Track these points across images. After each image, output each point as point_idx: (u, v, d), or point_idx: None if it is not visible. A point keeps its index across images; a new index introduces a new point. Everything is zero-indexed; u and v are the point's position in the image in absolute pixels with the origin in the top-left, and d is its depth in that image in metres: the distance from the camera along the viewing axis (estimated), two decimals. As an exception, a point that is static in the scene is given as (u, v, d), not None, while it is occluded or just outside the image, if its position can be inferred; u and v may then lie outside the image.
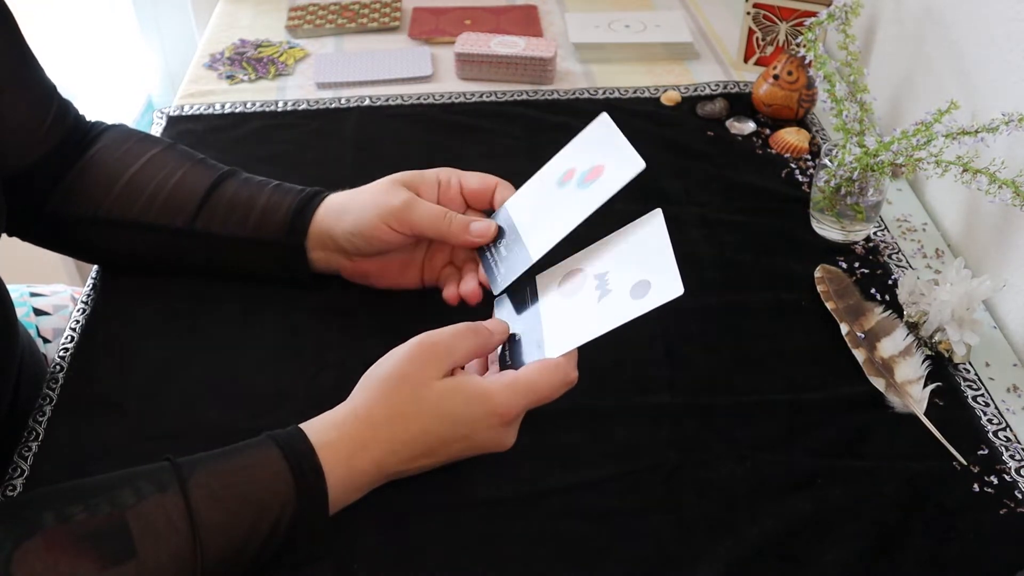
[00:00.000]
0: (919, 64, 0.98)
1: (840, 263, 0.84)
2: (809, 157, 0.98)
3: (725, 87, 1.11)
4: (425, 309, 0.74)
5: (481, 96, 1.10)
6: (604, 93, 1.10)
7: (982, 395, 0.72)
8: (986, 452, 0.67)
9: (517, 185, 0.73)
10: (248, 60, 1.18)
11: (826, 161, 0.85)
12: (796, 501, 0.63)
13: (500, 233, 0.71)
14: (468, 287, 0.71)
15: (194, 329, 0.76)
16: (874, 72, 1.04)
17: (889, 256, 0.85)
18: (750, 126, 1.03)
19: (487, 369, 0.65)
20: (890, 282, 0.82)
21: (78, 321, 0.77)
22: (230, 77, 1.15)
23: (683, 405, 0.70)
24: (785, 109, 1.03)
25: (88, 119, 0.81)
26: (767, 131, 1.03)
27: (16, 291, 0.94)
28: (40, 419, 0.69)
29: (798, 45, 0.99)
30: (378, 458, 0.58)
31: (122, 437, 0.67)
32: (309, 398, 0.69)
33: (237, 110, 1.07)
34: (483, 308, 0.71)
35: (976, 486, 0.65)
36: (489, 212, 0.74)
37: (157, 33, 1.84)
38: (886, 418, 0.70)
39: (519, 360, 0.62)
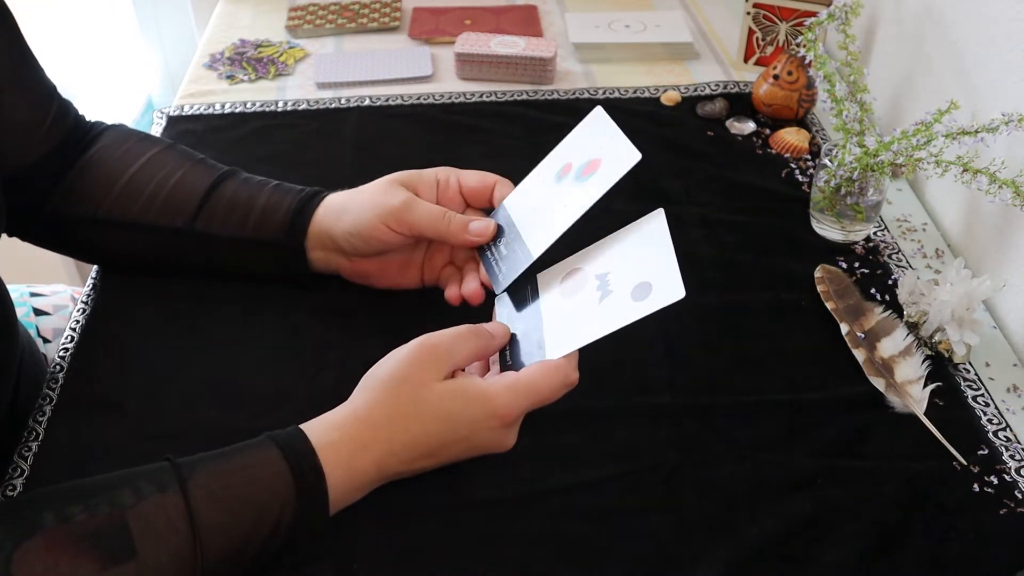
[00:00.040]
0: (919, 64, 0.98)
1: (840, 263, 0.84)
2: (809, 157, 0.98)
3: (725, 87, 1.11)
4: (425, 309, 0.74)
5: (481, 96, 1.10)
6: (604, 93, 1.10)
7: (982, 395, 0.72)
8: (986, 452, 0.67)
9: (516, 184, 0.73)
10: (248, 60, 1.18)
11: (826, 161, 0.85)
12: (796, 501, 0.63)
13: (500, 231, 0.70)
14: (470, 288, 0.71)
15: (194, 329, 0.76)
16: (874, 72, 1.04)
17: (889, 256, 0.85)
18: (750, 126, 1.03)
19: (488, 369, 0.65)
20: (890, 282, 0.82)
21: (78, 321, 0.77)
22: (230, 77, 1.15)
23: (683, 405, 0.70)
24: (785, 109, 1.03)
25: (88, 119, 0.81)
26: (767, 131, 1.03)
27: (16, 291, 0.94)
28: (40, 419, 0.69)
29: (798, 45, 0.99)
30: (378, 459, 0.58)
31: (122, 437, 0.67)
32: (309, 398, 0.69)
33: (237, 110, 1.07)
34: (483, 307, 0.71)
35: (976, 486, 0.65)
36: (489, 210, 0.74)
37: (157, 33, 1.84)
38: (886, 418, 0.70)
39: (519, 361, 0.62)
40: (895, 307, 0.78)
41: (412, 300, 0.76)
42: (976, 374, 0.74)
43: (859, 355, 0.74)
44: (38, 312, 0.94)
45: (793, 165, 0.97)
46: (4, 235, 0.73)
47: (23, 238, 0.79)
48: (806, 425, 0.69)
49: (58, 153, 0.75)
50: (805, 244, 0.87)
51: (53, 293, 0.97)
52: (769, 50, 1.13)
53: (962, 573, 0.60)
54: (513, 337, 0.65)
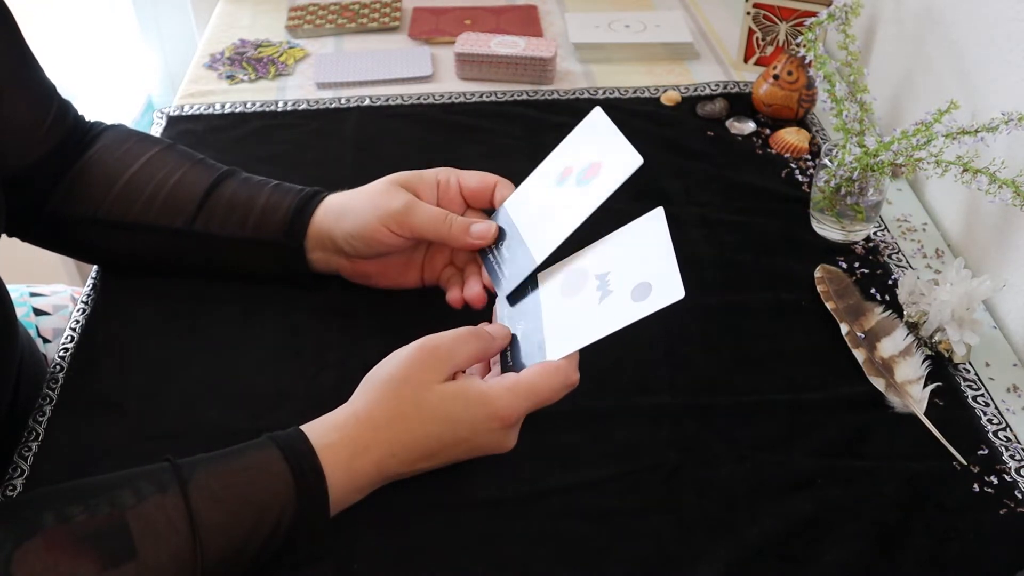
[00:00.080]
0: (919, 64, 0.98)
1: (840, 263, 0.84)
2: (809, 157, 0.98)
3: (725, 87, 1.11)
4: (425, 309, 0.74)
5: (481, 96, 1.10)
6: (604, 93, 1.10)
7: (982, 395, 0.72)
8: (986, 452, 0.67)
9: (517, 185, 0.73)
10: (248, 60, 1.18)
11: (826, 161, 0.85)
12: (796, 501, 0.64)
13: (501, 234, 0.70)
14: (473, 292, 0.71)
15: (194, 329, 0.76)
16: (874, 72, 1.04)
17: (889, 256, 0.85)
18: (750, 126, 1.03)
19: (489, 370, 0.65)
20: (890, 282, 0.82)
21: (78, 321, 0.77)
22: (230, 77, 1.15)
23: (683, 405, 0.70)
24: (785, 109, 1.03)
25: (88, 119, 0.81)
26: (767, 131, 1.03)
27: (16, 291, 0.94)
28: (40, 419, 0.69)
29: (798, 45, 0.99)
30: (378, 460, 0.58)
31: (122, 437, 0.67)
32: (309, 398, 0.69)
33: (237, 110, 1.07)
34: (484, 307, 0.71)
35: (976, 486, 0.65)
36: (489, 211, 0.74)
37: (157, 33, 1.84)
38: (886, 418, 0.70)
39: (520, 362, 0.62)
40: (895, 307, 0.78)
41: (412, 300, 0.76)
42: (976, 374, 0.74)
43: (859, 355, 0.74)
44: (38, 312, 0.94)
45: (793, 165, 0.97)
46: (4, 235, 0.73)
47: (23, 238, 0.79)
48: (806, 425, 0.69)
49: (58, 153, 0.75)
50: (805, 244, 0.87)
51: (53, 293, 0.97)
52: (769, 50, 1.13)
53: (962, 573, 0.60)
54: (514, 338, 0.65)
